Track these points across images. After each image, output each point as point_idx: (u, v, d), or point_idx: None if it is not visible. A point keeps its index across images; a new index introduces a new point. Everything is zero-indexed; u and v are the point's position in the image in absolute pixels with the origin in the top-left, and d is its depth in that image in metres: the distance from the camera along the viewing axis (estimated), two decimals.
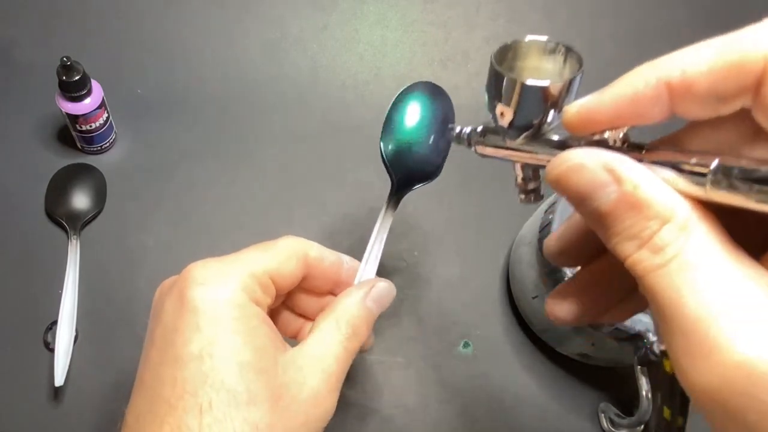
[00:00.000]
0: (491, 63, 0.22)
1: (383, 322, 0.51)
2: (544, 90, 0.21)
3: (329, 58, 0.63)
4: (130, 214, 0.54)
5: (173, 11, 0.63)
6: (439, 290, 0.53)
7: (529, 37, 0.23)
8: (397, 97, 0.38)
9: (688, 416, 0.19)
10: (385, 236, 0.35)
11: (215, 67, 0.62)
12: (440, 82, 0.39)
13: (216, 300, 0.27)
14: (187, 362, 0.25)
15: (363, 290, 0.31)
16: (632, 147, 0.20)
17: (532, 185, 0.25)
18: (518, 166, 0.25)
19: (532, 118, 0.22)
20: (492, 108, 0.23)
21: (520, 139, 0.23)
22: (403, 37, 0.64)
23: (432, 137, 0.37)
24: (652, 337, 0.39)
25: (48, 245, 0.52)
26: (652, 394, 0.41)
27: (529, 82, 0.21)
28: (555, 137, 0.23)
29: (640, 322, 0.40)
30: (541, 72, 0.23)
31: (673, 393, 0.19)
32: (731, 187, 0.16)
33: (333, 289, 0.34)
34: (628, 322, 0.40)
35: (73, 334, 0.47)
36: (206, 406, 0.25)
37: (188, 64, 0.62)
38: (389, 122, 0.38)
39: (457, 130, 0.28)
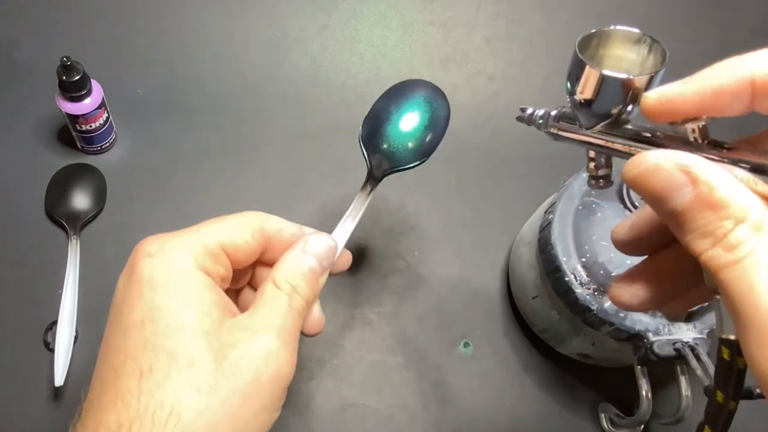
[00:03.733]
0: (575, 50, 0.23)
1: (383, 321, 0.51)
2: (624, 82, 0.22)
3: (329, 58, 0.63)
4: (130, 214, 0.54)
5: (173, 11, 0.63)
6: (439, 290, 0.53)
7: (614, 26, 0.23)
8: (386, 90, 0.39)
9: (739, 401, 0.20)
10: (358, 217, 0.35)
11: (215, 67, 0.62)
12: (440, 82, 0.39)
13: (162, 269, 0.27)
14: (129, 329, 0.26)
15: (297, 247, 0.31)
16: (711, 144, 0.20)
17: (603, 171, 0.26)
18: (591, 152, 0.25)
19: (611, 107, 0.23)
20: (572, 95, 0.24)
21: (598, 127, 0.24)
22: (403, 37, 0.64)
23: (410, 124, 0.38)
24: (653, 337, 0.39)
25: (48, 245, 0.52)
26: (652, 394, 0.41)
27: (610, 73, 0.22)
28: (632, 127, 0.23)
29: (640, 321, 0.40)
30: (624, 62, 0.23)
31: (729, 378, 0.20)
32: None
33: None
34: (627, 322, 0.40)
35: (73, 334, 0.47)
36: (146, 369, 0.25)
37: (188, 64, 0.62)
38: (370, 110, 0.38)
39: (529, 111, 0.28)
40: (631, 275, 0.26)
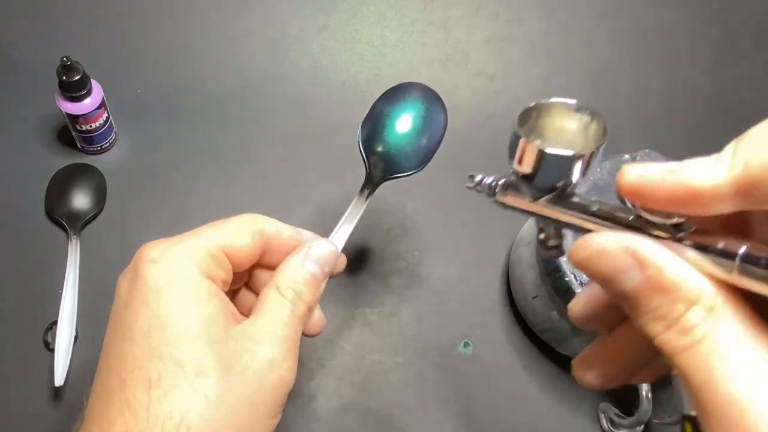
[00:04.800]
0: (513, 125, 0.22)
1: (383, 321, 0.51)
2: (564, 158, 0.21)
3: (329, 58, 0.63)
4: (130, 214, 0.54)
5: (173, 11, 0.63)
6: (439, 290, 0.53)
7: (552, 99, 0.23)
8: (384, 93, 0.39)
9: None
10: (355, 221, 0.35)
11: (215, 67, 0.62)
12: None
13: (166, 275, 0.27)
14: (135, 337, 0.26)
15: (301, 253, 0.31)
16: (663, 222, 0.20)
17: (553, 242, 0.25)
18: (540, 224, 0.25)
19: (554, 182, 0.22)
20: (513, 168, 0.23)
21: (543, 200, 0.23)
22: (403, 37, 0.64)
23: (411, 132, 0.38)
24: None
25: (48, 245, 0.52)
26: (652, 394, 0.41)
27: (550, 150, 0.21)
28: (578, 200, 0.22)
29: None
30: (566, 132, 0.23)
31: None
32: (757, 277, 0.17)
33: None
34: None
35: (73, 334, 0.47)
36: (155, 379, 0.25)
37: (188, 64, 0.62)
38: (370, 113, 0.38)
39: (478, 178, 0.27)
40: (591, 354, 0.25)
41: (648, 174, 0.19)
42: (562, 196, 0.23)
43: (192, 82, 0.61)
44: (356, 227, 0.35)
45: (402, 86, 0.39)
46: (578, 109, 0.22)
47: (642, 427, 0.45)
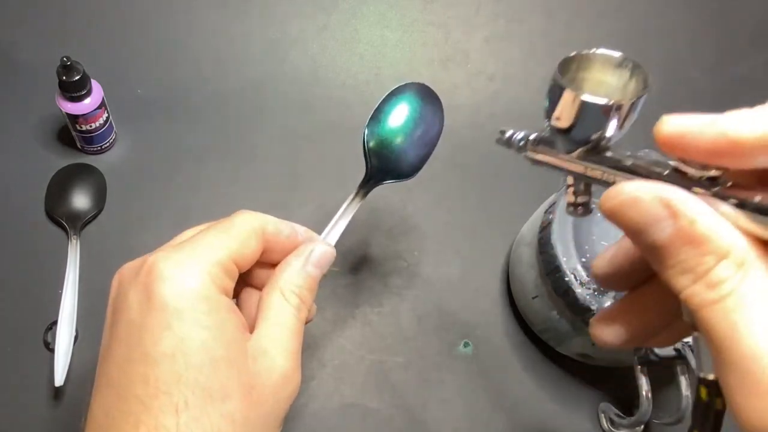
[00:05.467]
0: (554, 74, 0.22)
1: (383, 321, 0.51)
2: (604, 108, 0.21)
3: (329, 58, 0.63)
4: (130, 214, 0.54)
5: (174, 11, 0.63)
6: (439, 290, 0.53)
7: (595, 50, 0.22)
8: (392, 91, 0.38)
9: None
10: (348, 220, 0.36)
11: (215, 67, 0.62)
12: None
13: (184, 295, 0.26)
14: (159, 361, 0.25)
15: (303, 257, 0.31)
16: (697, 177, 0.19)
17: (582, 199, 0.25)
18: (570, 179, 0.25)
19: (590, 133, 0.22)
20: (549, 119, 0.23)
21: (576, 153, 0.23)
22: (403, 37, 0.64)
23: (416, 139, 0.38)
24: None
25: (48, 245, 0.52)
26: (652, 394, 0.41)
27: (590, 98, 0.21)
28: (611, 155, 0.22)
29: None
30: (605, 86, 0.22)
31: (707, 419, 0.19)
32: None
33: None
34: None
35: (73, 334, 0.47)
36: (182, 405, 0.25)
37: (188, 64, 0.62)
38: (378, 113, 0.38)
39: (508, 134, 0.27)
40: (611, 312, 0.25)
41: (688, 124, 0.19)
42: (596, 149, 0.22)
43: (192, 82, 0.61)
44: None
45: (414, 88, 0.39)
46: (621, 62, 0.22)
47: (642, 427, 0.45)
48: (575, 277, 0.42)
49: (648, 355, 0.39)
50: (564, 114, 0.22)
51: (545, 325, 0.47)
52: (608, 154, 0.22)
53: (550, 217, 0.44)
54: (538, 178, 0.57)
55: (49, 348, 0.47)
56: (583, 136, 0.22)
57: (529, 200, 0.52)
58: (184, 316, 0.26)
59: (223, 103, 0.61)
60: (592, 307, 0.41)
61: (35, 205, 0.53)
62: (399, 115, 0.38)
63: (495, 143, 0.28)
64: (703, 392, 0.19)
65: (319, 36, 0.64)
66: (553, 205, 0.45)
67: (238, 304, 0.33)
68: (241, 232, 0.30)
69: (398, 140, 0.38)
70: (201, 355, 0.26)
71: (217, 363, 0.26)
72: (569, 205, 0.25)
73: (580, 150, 0.23)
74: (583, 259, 0.42)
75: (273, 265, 0.32)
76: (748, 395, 0.16)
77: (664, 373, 0.42)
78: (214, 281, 0.27)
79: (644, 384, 0.41)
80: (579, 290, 0.41)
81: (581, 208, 0.25)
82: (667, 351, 0.39)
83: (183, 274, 0.27)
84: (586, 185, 0.24)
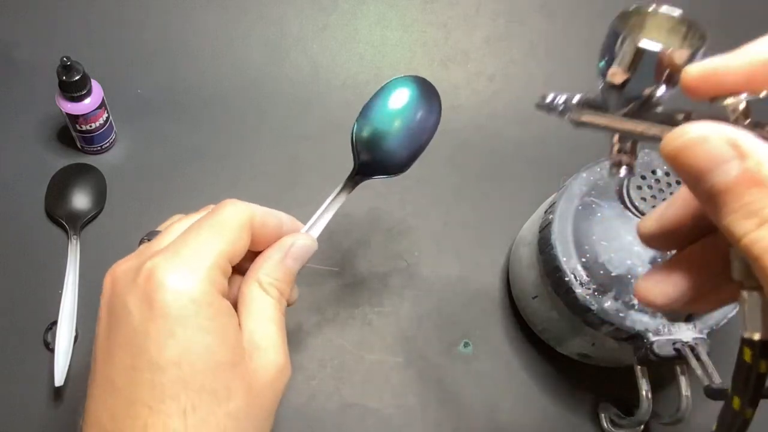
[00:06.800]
0: (612, 24, 0.22)
1: (383, 321, 0.51)
2: (661, 55, 0.20)
3: (329, 58, 0.63)
4: (130, 214, 0.54)
5: (174, 11, 0.63)
6: (439, 290, 0.53)
7: (653, 7, 0.22)
8: (384, 85, 0.38)
9: (756, 409, 0.19)
10: (332, 213, 0.36)
11: (215, 67, 0.62)
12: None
13: (186, 302, 0.27)
14: (165, 368, 0.26)
15: (282, 250, 0.32)
16: (755, 124, 0.19)
17: (627, 159, 0.24)
18: (616, 137, 0.24)
19: (645, 86, 0.21)
20: (604, 72, 0.22)
21: (627, 109, 0.22)
22: (403, 37, 0.64)
23: (406, 134, 0.37)
24: (653, 337, 0.39)
25: (48, 245, 0.52)
26: (653, 394, 0.41)
27: (649, 45, 0.20)
28: (661, 110, 0.22)
29: (640, 322, 0.40)
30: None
31: (748, 382, 0.19)
32: None
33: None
34: (628, 322, 0.40)
35: (73, 334, 0.47)
36: (189, 408, 0.26)
37: (188, 64, 0.62)
38: (369, 108, 0.38)
39: (549, 98, 0.26)
40: (658, 272, 0.24)
41: (714, 62, 0.19)
42: (648, 105, 0.22)
43: (192, 82, 0.61)
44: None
45: (408, 82, 0.38)
46: (679, 22, 0.22)
47: (642, 427, 0.45)
48: (575, 277, 0.42)
49: (648, 355, 0.39)
50: (622, 63, 0.21)
51: (545, 325, 0.47)
52: (659, 110, 0.22)
53: (550, 217, 0.44)
54: (538, 179, 0.57)
55: (49, 348, 0.47)
56: (637, 91, 0.22)
57: (529, 200, 0.52)
58: (188, 323, 0.26)
59: (223, 103, 0.61)
60: (592, 307, 0.40)
61: (35, 205, 0.53)
62: (389, 110, 0.37)
63: (535, 108, 0.27)
64: (747, 354, 0.18)
65: (319, 36, 0.64)
66: (553, 205, 0.45)
67: None
68: (233, 229, 0.30)
69: (387, 135, 0.37)
70: (206, 360, 0.26)
71: (221, 366, 0.27)
72: (613, 165, 0.25)
73: (630, 106, 0.22)
74: (583, 259, 0.42)
75: (256, 252, 0.33)
76: None
77: (664, 373, 0.42)
78: (213, 285, 0.28)
79: (644, 384, 0.41)
80: (579, 290, 0.41)
81: (626, 168, 0.24)
82: (667, 351, 0.39)
83: (184, 281, 0.27)
84: (632, 144, 0.24)
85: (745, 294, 0.19)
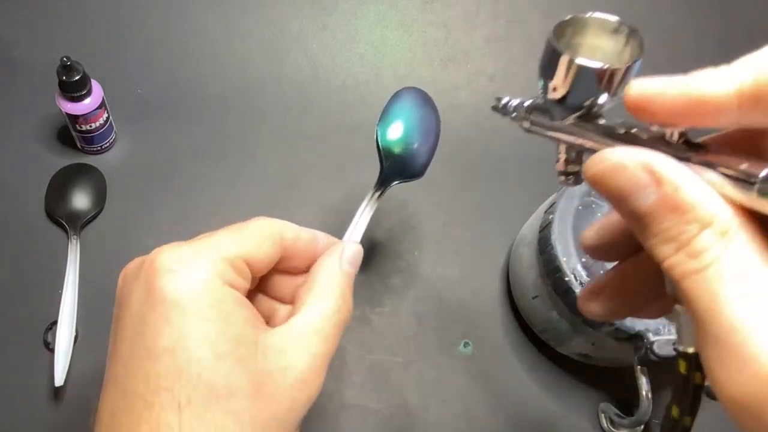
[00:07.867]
0: (549, 37, 0.21)
1: (383, 321, 0.51)
2: (598, 72, 0.20)
3: (329, 58, 0.63)
4: (130, 214, 0.54)
5: (173, 11, 0.63)
6: (439, 290, 0.53)
7: (591, 14, 0.22)
8: (397, 93, 0.40)
9: (695, 417, 0.19)
10: (368, 219, 0.35)
11: (215, 67, 0.62)
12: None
13: (186, 288, 0.25)
14: (159, 356, 0.24)
15: (336, 255, 0.30)
16: (687, 144, 0.19)
17: (573, 168, 0.24)
18: (562, 147, 0.24)
19: (584, 98, 0.22)
20: (544, 84, 0.22)
21: (569, 119, 0.23)
22: (403, 37, 0.64)
23: (424, 140, 0.39)
24: (653, 337, 0.39)
25: (48, 245, 0.52)
26: (653, 394, 0.41)
27: (585, 62, 0.20)
28: (604, 122, 0.22)
29: (640, 322, 0.40)
30: (599, 51, 0.22)
31: (685, 393, 0.19)
32: None
33: (309, 268, 0.32)
34: (628, 322, 0.40)
35: (73, 334, 0.47)
36: (184, 402, 0.24)
37: (188, 64, 0.62)
38: (389, 115, 0.39)
39: (504, 101, 0.27)
40: (599, 284, 0.25)
41: (653, 85, 0.18)
42: (588, 116, 0.22)
43: (192, 82, 0.61)
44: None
45: (415, 91, 0.40)
46: (617, 28, 0.22)
47: (642, 427, 0.45)
48: (575, 277, 0.42)
49: (648, 355, 0.39)
50: (558, 78, 0.21)
51: (545, 325, 0.47)
52: (601, 121, 0.22)
53: (550, 217, 0.44)
54: (538, 179, 0.57)
55: (49, 348, 0.47)
56: (577, 102, 0.22)
57: (529, 200, 0.52)
58: (186, 309, 0.25)
59: (224, 103, 0.61)
60: None
61: (35, 205, 0.53)
62: (409, 118, 0.39)
63: (491, 111, 0.28)
64: (683, 366, 0.19)
65: (319, 36, 0.64)
66: (553, 205, 0.45)
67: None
68: (254, 234, 0.28)
69: (410, 141, 0.39)
70: (203, 349, 0.24)
71: (221, 358, 0.25)
72: (560, 174, 0.25)
73: (572, 117, 0.22)
74: (583, 259, 0.42)
75: (293, 273, 0.32)
76: (727, 366, 0.16)
77: (664, 373, 0.42)
78: (219, 275, 0.26)
79: (644, 384, 0.41)
80: (579, 290, 0.41)
81: (572, 177, 0.25)
82: (667, 351, 0.39)
83: (184, 267, 0.26)
84: (578, 154, 0.24)
85: (678, 308, 0.19)
